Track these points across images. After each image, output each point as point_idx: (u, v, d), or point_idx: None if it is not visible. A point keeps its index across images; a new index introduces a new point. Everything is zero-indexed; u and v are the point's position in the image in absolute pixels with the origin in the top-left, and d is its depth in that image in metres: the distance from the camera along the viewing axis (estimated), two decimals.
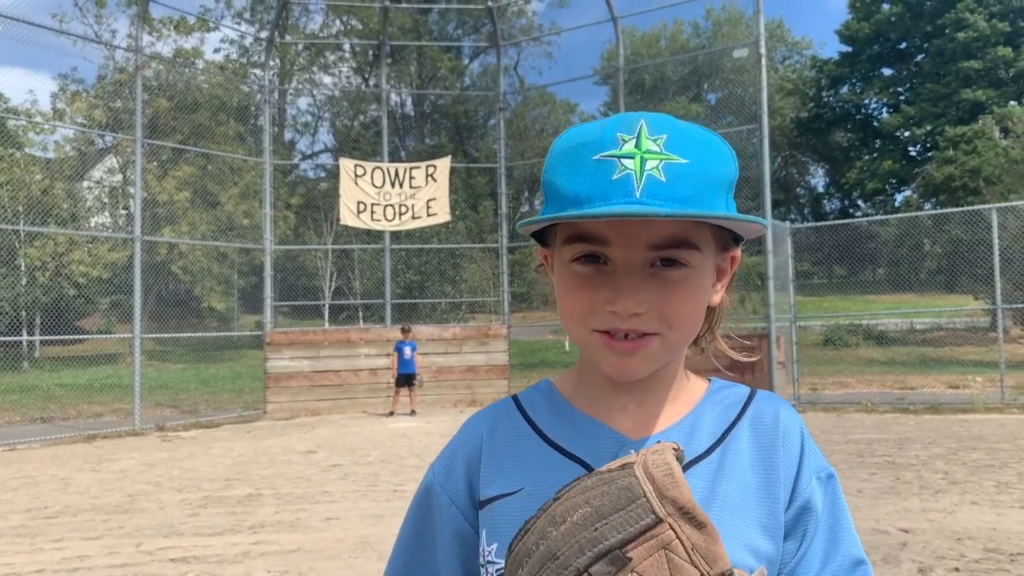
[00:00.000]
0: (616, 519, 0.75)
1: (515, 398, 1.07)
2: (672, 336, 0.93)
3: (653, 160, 0.87)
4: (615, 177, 0.86)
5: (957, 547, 5.38)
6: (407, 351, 15.05)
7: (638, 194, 0.85)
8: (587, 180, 0.87)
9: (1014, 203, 17.45)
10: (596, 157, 0.88)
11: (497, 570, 0.94)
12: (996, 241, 14.33)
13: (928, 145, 39.57)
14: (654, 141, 0.88)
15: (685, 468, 0.93)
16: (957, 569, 4.92)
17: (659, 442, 0.84)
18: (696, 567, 0.74)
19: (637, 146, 0.88)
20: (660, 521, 0.75)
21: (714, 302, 1.01)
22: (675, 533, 0.75)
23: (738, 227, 0.94)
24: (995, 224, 14.44)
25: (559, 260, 0.95)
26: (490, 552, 0.95)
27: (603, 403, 1.00)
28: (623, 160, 0.87)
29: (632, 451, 0.89)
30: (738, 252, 1.01)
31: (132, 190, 18.23)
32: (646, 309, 0.90)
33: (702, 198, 0.87)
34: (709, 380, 1.08)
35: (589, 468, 0.93)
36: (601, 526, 0.75)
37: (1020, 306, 18.29)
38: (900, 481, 7.60)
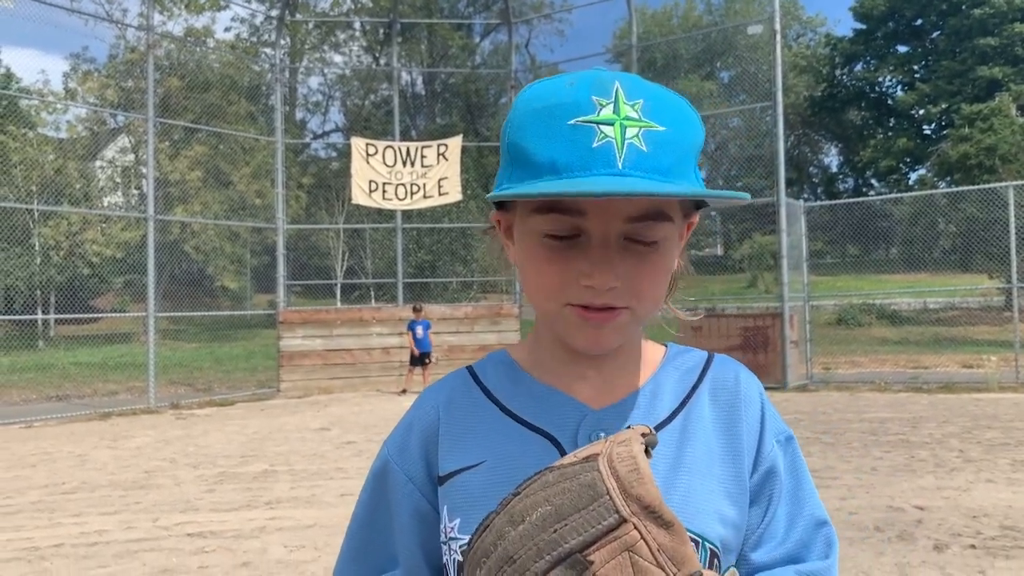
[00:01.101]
0: (577, 519, 0.71)
1: (470, 369, 1.03)
2: (641, 308, 0.91)
3: (633, 127, 0.83)
4: (595, 145, 0.82)
5: (973, 524, 5.37)
6: (419, 330, 15.09)
7: (620, 164, 0.82)
8: (564, 147, 0.82)
9: None
10: (572, 122, 0.83)
11: (460, 546, 0.90)
12: (1012, 219, 14.20)
13: (943, 123, 39.16)
14: (632, 107, 0.84)
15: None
16: (973, 546, 4.91)
17: (629, 427, 0.79)
18: (663, 568, 0.70)
19: (616, 111, 0.83)
20: (624, 521, 0.70)
21: (675, 269, 0.98)
22: (640, 534, 0.70)
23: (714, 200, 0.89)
24: (1012, 202, 14.30)
25: (524, 228, 0.90)
26: (452, 528, 0.92)
27: (562, 372, 0.97)
28: (602, 126, 0.82)
29: (602, 434, 0.88)
30: (696, 218, 0.98)
31: (144, 170, 18.28)
32: (621, 283, 0.87)
33: (681, 168, 0.85)
34: (666, 345, 1.06)
35: (551, 439, 0.92)
36: (560, 527, 0.71)
37: None
38: (915, 459, 7.59)
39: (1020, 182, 15.99)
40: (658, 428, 0.92)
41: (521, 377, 0.99)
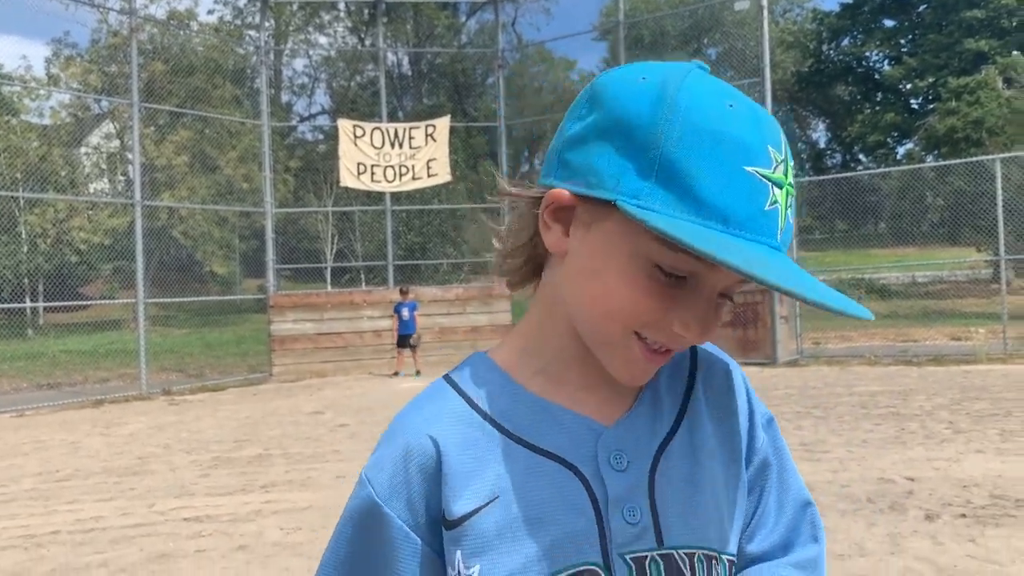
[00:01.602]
0: None
1: (453, 384, 0.89)
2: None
3: (790, 197, 0.77)
4: (767, 208, 0.74)
5: (963, 494, 5.43)
6: (405, 312, 15.10)
7: (779, 237, 0.76)
8: (741, 199, 0.73)
9: (1017, 153, 17.34)
10: (749, 170, 0.73)
11: None
12: (1000, 192, 14.27)
13: (930, 97, 39.20)
14: (790, 169, 0.78)
15: (661, 451, 0.85)
16: (964, 515, 4.97)
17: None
18: None
19: (785, 173, 0.76)
20: None
21: None
22: None
23: None
24: (999, 175, 14.36)
25: (619, 239, 0.78)
26: (471, 575, 0.81)
27: (566, 382, 0.87)
28: (774, 188, 0.75)
29: (623, 457, 0.83)
30: None
31: (130, 155, 18.14)
32: None
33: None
34: None
35: (568, 465, 0.83)
36: None
37: (1023, 257, 18.28)
38: (905, 431, 7.65)
39: (1007, 155, 16.05)
40: (667, 442, 0.87)
41: (517, 391, 0.87)
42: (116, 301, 23.03)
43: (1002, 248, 14.48)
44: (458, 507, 0.82)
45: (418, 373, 15.01)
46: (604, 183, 0.76)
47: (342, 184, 17.50)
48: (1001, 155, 15.39)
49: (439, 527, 0.83)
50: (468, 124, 32.71)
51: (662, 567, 0.81)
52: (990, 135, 28.30)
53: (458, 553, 0.81)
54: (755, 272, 0.69)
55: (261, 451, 8.15)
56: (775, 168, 0.75)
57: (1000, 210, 14.18)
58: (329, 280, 26.34)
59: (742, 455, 0.92)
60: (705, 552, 0.83)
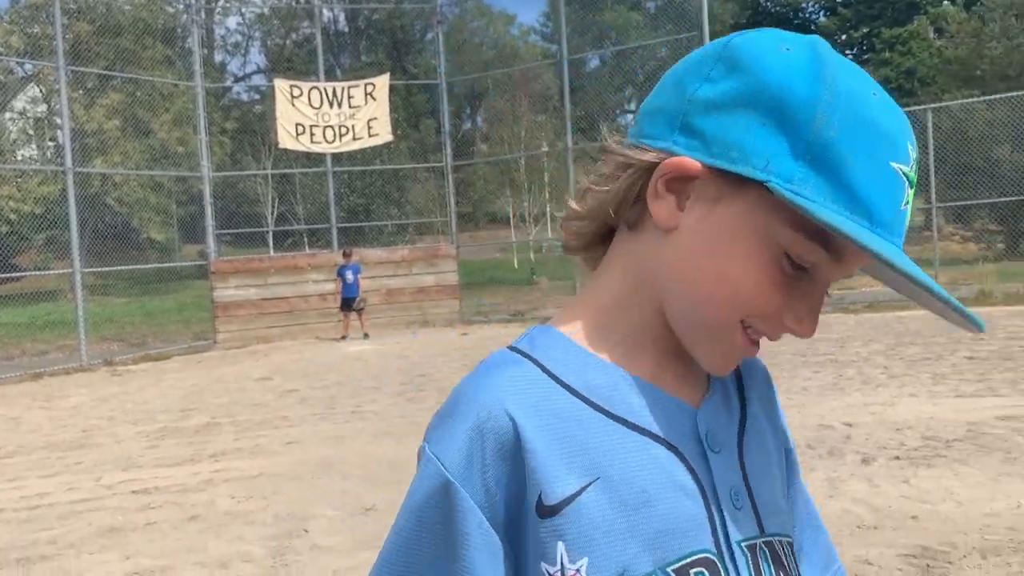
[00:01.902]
0: None
1: (523, 354, 0.78)
2: None
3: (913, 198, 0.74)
4: (902, 207, 0.71)
5: (897, 436, 5.65)
6: (349, 275, 14.99)
7: (902, 240, 0.73)
8: (887, 196, 0.69)
9: (947, 103, 17.77)
10: (894, 165, 0.70)
11: None
12: (931, 141, 14.63)
13: (865, 47, 39.79)
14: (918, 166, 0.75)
15: (740, 436, 0.81)
16: (897, 457, 5.18)
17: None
18: None
19: (915, 171, 0.73)
20: None
21: None
22: None
23: None
24: (930, 125, 14.71)
25: (753, 223, 0.72)
26: (578, 572, 0.69)
27: (642, 360, 0.79)
28: (908, 188, 0.71)
29: (716, 436, 0.78)
30: None
31: (59, 120, 17.55)
32: None
33: None
34: None
35: (667, 444, 0.75)
36: None
37: (953, 204, 18.83)
38: (843, 378, 7.91)
39: (937, 104, 16.44)
40: (743, 429, 0.82)
41: (602, 365, 0.77)
42: (51, 272, 22.39)
43: (933, 196, 14.90)
44: (559, 488, 0.70)
45: (366, 336, 14.96)
46: (751, 160, 0.70)
47: (280, 146, 17.20)
48: (932, 105, 15.76)
49: (519, 516, 0.71)
50: (408, 82, 32.22)
51: (768, 555, 0.77)
52: (921, 85, 28.88)
53: (560, 546, 0.70)
54: (927, 283, 0.67)
55: (209, 419, 8.08)
56: (911, 166, 0.71)
57: (932, 159, 14.56)
58: (271, 244, 25.98)
59: (782, 443, 0.89)
60: (788, 540, 0.82)
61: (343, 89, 17.08)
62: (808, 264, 0.71)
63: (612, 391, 0.75)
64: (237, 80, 45.00)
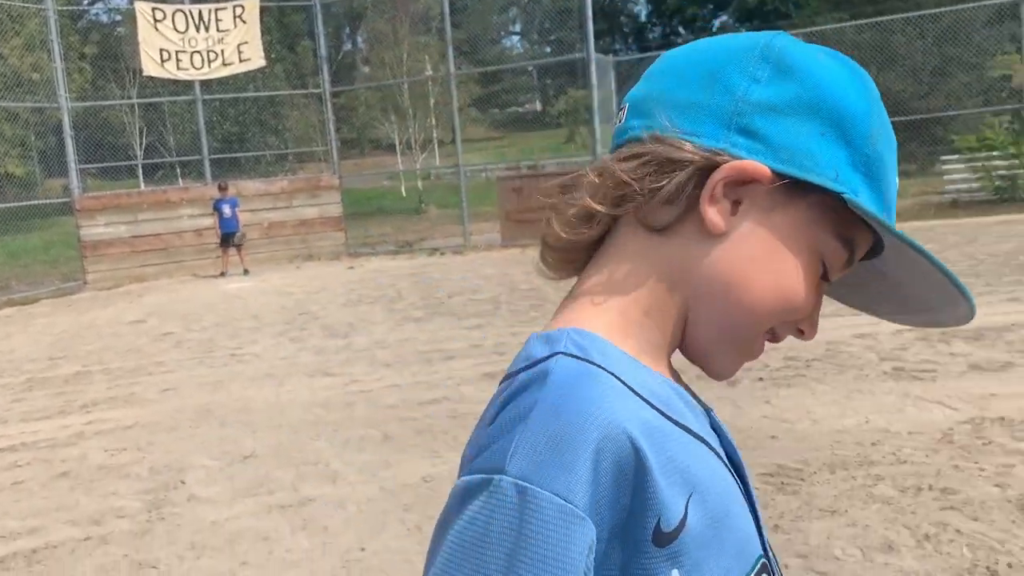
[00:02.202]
0: None
1: (595, 363, 0.69)
2: None
3: None
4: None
5: (761, 358, 5.93)
6: (227, 209, 14.48)
7: None
8: (894, 202, 0.74)
9: (821, 27, 18.28)
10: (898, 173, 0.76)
11: None
12: None
13: None
14: None
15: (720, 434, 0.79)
16: (761, 379, 5.46)
17: None
18: None
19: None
20: None
21: None
22: None
23: None
24: None
25: (801, 228, 0.71)
26: None
27: (658, 363, 0.74)
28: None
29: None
30: None
31: None
32: None
33: None
34: None
35: (714, 450, 0.73)
36: None
37: None
38: None
39: (812, 28, 16.90)
40: (715, 423, 0.79)
41: (650, 371, 0.72)
42: None
43: None
44: (675, 512, 0.65)
45: (246, 272, 14.57)
46: (823, 170, 0.69)
47: (145, 73, 16.30)
48: (806, 29, 16.19)
49: (617, 548, 0.64)
50: (281, 3, 30.79)
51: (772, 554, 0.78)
52: (796, 8, 29.56)
53: (675, 574, 0.65)
54: (967, 292, 0.70)
55: (79, 368, 7.77)
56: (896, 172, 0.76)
57: None
58: (141, 177, 24.76)
59: None
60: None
61: (210, 11, 16.21)
62: (834, 268, 0.73)
63: (668, 399, 0.71)
64: (93, 1, 42.01)
